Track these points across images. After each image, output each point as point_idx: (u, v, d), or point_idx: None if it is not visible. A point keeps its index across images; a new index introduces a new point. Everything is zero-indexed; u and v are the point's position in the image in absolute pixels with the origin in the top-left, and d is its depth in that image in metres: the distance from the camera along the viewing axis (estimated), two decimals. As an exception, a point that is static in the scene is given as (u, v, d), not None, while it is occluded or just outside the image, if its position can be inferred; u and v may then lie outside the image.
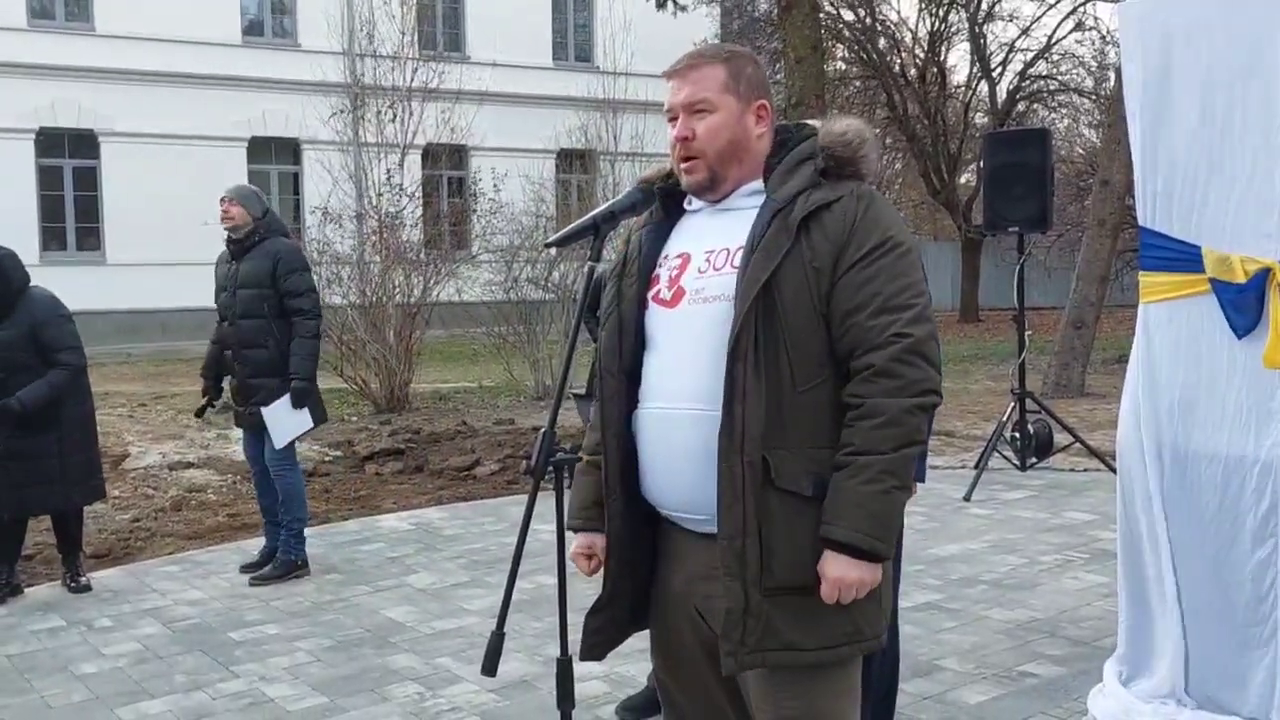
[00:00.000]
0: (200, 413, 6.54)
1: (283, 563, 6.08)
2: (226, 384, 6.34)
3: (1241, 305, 3.56)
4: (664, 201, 2.53)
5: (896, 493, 2.23)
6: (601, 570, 2.49)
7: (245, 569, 6.15)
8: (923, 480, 3.62)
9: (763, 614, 2.26)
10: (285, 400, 5.97)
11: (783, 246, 2.26)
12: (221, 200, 6.09)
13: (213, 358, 6.32)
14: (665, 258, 2.46)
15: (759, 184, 2.40)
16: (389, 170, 13.55)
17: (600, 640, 2.48)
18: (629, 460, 2.42)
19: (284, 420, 6.01)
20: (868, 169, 2.39)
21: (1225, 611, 3.65)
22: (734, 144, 2.39)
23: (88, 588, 5.86)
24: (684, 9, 15.82)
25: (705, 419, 2.27)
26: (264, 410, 5.97)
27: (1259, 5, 3.49)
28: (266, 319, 5.99)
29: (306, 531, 6.30)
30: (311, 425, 6.15)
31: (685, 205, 2.52)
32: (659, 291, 2.42)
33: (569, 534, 2.52)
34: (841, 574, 2.21)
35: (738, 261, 2.30)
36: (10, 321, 5.66)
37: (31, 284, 5.82)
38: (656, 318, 2.42)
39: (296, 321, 6.02)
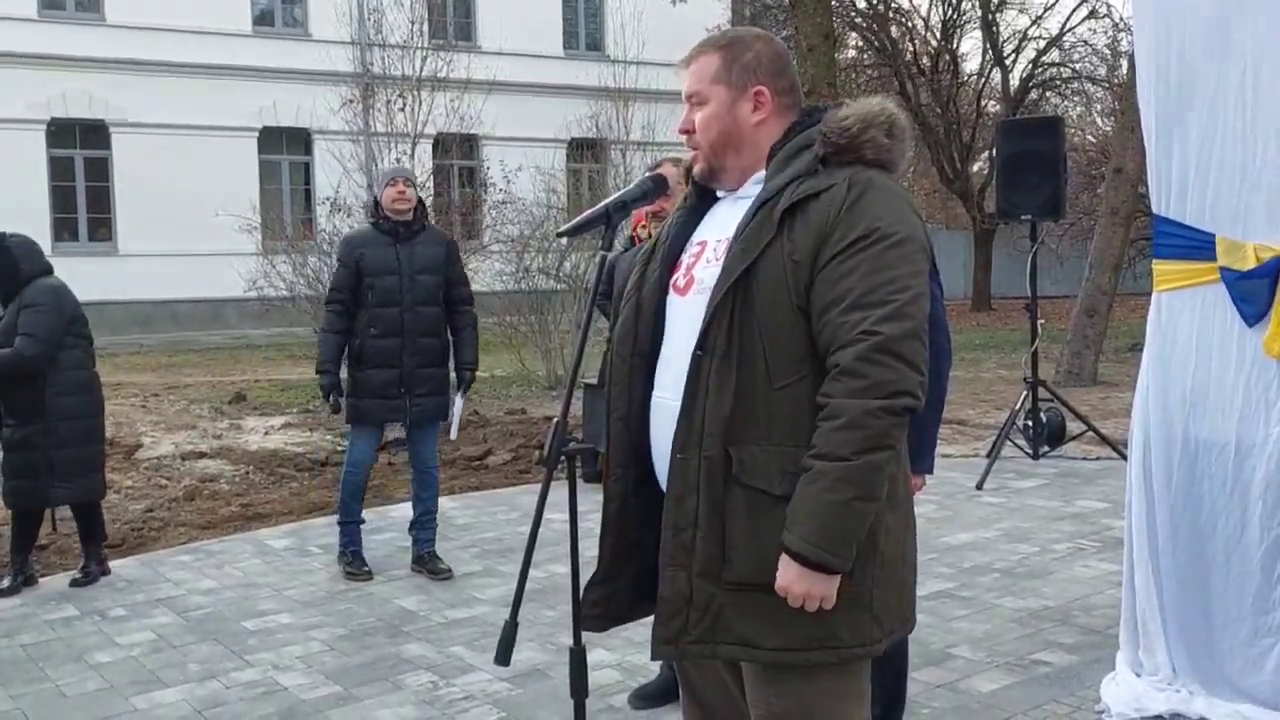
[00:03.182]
0: (338, 408, 5.98)
1: (435, 554, 5.99)
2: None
3: (1251, 293, 3.55)
4: (698, 187, 2.49)
5: (857, 504, 2.13)
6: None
7: (352, 576, 5.84)
8: (930, 472, 3.62)
9: (714, 606, 2.24)
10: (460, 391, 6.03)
11: (763, 240, 2.21)
12: (395, 180, 5.81)
13: (336, 347, 5.82)
14: (690, 244, 2.44)
15: (764, 172, 2.36)
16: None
17: (598, 614, 2.47)
18: (640, 445, 2.41)
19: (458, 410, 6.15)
20: (876, 154, 2.27)
21: (1236, 599, 3.65)
22: (725, 134, 2.37)
23: (87, 582, 5.76)
24: (693, -4, 15.81)
25: None
26: (459, 400, 5.99)
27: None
28: (441, 306, 5.85)
29: (319, 521, 6.33)
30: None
31: (717, 192, 2.49)
32: (677, 279, 2.41)
33: None
34: (789, 582, 2.16)
35: None
36: (11, 307, 5.56)
37: (50, 276, 5.69)
38: (672, 306, 2.41)
39: (465, 311, 5.95)
